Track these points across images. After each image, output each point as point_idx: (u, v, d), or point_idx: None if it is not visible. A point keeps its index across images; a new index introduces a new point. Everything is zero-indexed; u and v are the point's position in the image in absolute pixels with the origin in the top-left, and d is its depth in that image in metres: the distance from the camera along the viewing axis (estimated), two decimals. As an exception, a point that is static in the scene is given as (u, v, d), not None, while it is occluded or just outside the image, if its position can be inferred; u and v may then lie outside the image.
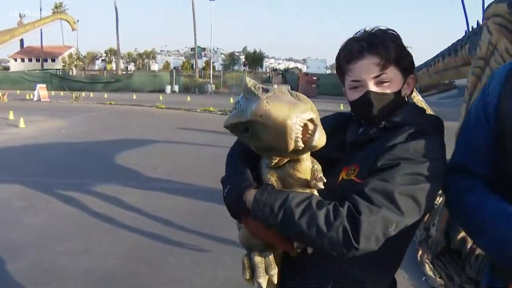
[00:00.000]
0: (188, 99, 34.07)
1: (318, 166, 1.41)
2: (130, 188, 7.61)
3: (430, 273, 4.34)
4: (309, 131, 1.20)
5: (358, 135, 1.55)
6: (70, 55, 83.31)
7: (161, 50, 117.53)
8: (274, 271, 1.43)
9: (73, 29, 38.18)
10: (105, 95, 36.62)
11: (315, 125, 1.21)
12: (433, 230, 4.86)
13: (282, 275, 1.49)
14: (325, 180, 1.34)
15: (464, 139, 1.53)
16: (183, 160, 10.34)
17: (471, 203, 1.38)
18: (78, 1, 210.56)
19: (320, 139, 1.22)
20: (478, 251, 4.23)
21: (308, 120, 1.20)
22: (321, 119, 1.34)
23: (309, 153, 1.34)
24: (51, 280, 4.21)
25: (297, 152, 1.24)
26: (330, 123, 1.60)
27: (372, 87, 1.48)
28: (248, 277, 1.46)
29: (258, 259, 1.43)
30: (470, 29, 5.39)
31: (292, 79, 42.69)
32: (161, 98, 34.13)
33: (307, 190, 1.36)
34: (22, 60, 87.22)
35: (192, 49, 70.38)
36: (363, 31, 1.56)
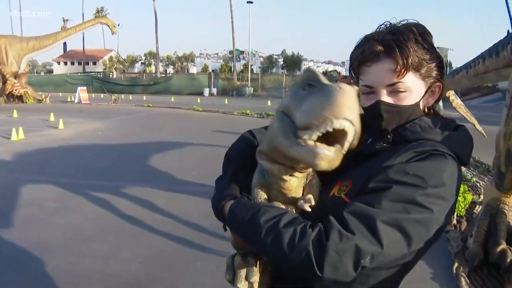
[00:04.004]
0: (226, 101, 34.19)
1: (316, 181, 1.27)
2: (162, 191, 7.56)
3: (467, 287, 4.08)
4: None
5: (364, 146, 1.33)
6: (110, 58, 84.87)
7: (200, 53, 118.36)
8: (255, 278, 1.32)
9: (113, 33, 38.70)
10: (144, 98, 37.11)
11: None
12: (470, 242, 4.60)
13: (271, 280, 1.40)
14: (313, 203, 1.19)
15: None
16: (217, 163, 10.18)
17: None
18: (119, 6, 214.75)
19: (327, 160, 1.04)
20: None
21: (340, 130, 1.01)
22: None
23: (293, 173, 1.21)
24: (74, 283, 4.16)
25: (294, 148, 1.07)
26: None
27: (385, 97, 1.29)
28: (229, 279, 1.37)
29: (240, 263, 1.34)
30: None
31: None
32: (198, 100, 34.31)
33: (290, 207, 1.24)
34: (65, 63, 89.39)
35: (231, 52, 70.62)
36: (387, 24, 1.33)
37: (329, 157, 1.03)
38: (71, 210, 6.47)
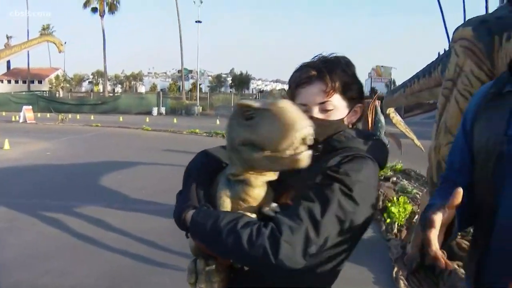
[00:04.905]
0: (175, 121, 34.16)
1: (271, 192, 1.50)
2: (115, 210, 7.66)
3: (405, 289, 4.46)
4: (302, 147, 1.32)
5: None
6: (57, 77, 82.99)
7: (148, 72, 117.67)
8: (216, 279, 1.51)
9: (60, 51, 38.27)
10: (92, 117, 36.58)
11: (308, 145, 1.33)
12: (409, 248, 4.99)
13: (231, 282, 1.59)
14: (278, 210, 1.43)
15: (450, 152, 1.65)
16: (167, 182, 10.34)
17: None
18: (65, 23, 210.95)
19: (307, 159, 1.33)
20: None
21: (307, 137, 1.31)
22: None
23: (264, 181, 1.46)
24: (33, 299, 4.27)
25: (278, 160, 1.34)
26: None
27: (316, 113, 1.56)
28: (191, 282, 1.55)
29: (202, 266, 1.52)
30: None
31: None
32: (147, 120, 34.15)
33: (254, 215, 1.46)
34: (9, 81, 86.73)
35: (179, 71, 70.62)
36: (320, 55, 1.64)
37: (309, 155, 1.33)
38: (24, 230, 6.50)
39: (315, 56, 1.65)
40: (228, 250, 1.42)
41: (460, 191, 1.22)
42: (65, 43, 42.48)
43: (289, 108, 1.30)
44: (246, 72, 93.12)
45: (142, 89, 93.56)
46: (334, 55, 1.64)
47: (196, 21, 56.11)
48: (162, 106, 48.56)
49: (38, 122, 30.63)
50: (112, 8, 63.58)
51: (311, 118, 1.50)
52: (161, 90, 67.62)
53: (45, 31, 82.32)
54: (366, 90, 55.73)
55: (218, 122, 30.78)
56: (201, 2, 55.41)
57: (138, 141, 20.00)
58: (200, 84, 66.74)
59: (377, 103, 11.68)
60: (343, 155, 1.50)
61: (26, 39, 43.99)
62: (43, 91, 67.68)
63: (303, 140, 1.31)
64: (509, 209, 1.31)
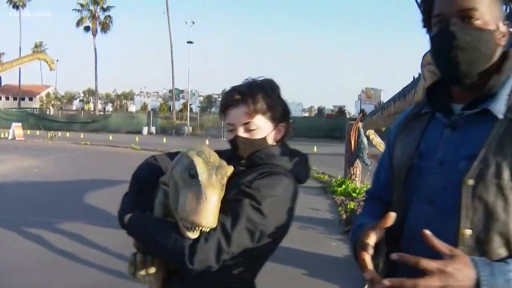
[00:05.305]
0: (164, 140, 34.26)
1: None
2: (97, 227, 7.74)
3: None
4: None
5: None
6: (48, 95, 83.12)
7: (140, 92, 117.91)
8: (152, 271, 1.75)
9: (51, 69, 38.47)
10: (82, 136, 36.62)
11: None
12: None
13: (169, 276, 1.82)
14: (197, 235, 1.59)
15: (377, 170, 1.80)
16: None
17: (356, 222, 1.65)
18: (58, 41, 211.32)
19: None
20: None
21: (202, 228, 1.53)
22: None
23: None
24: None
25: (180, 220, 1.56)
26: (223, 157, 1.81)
27: (241, 132, 1.75)
28: (131, 272, 1.78)
29: (140, 259, 1.76)
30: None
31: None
32: (137, 139, 34.22)
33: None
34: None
35: (171, 91, 70.92)
36: (249, 78, 1.84)
37: (194, 237, 1.54)
38: (5, 245, 6.59)
39: (245, 79, 1.85)
40: (156, 250, 1.67)
41: (393, 215, 1.34)
42: (57, 61, 42.82)
43: (210, 203, 1.50)
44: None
45: (133, 108, 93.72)
46: (262, 78, 1.84)
47: (188, 42, 56.66)
48: (152, 126, 48.73)
49: (27, 139, 30.66)
50: (105, 27, 64.04)
51: (237, 137, 1.74)
52: (152, 109, 67.72)
53: (38, 48, 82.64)
54: (356, 111, 55.97)
55: (207, 142, 30.89)
56: (193, 23, 56.24)
57: (126, 160, 20.02)
58: (190, 104, 67.10)
59: (360, 124, 11.94)
60: (260, 171, 1.68)
61: (18, 56, 44.06)
62: (33, 108, 67.63)
63: (196, 228, 1.51)
64: (416, 214, 1.46)
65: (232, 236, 1.56)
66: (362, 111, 57.46)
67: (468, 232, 1.33)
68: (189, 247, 1.54)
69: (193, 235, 1.53)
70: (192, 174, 1.55)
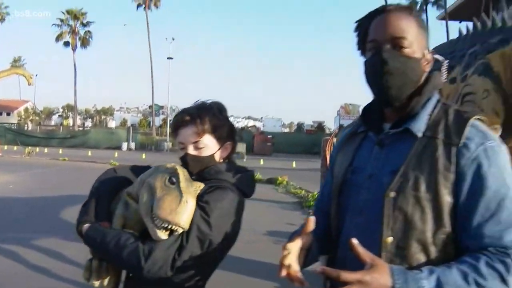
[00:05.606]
0: (143, 156, 34.14)
1: None
2: (74, 243, 7.64)
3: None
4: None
5: None
6: (26, 110, 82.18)
7: (120, 107, 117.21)
8: (106, 277, 1.87)
9: (29, 84, 38.17)
10: (60, 151, 36.34)
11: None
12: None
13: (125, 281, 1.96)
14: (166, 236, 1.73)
15: (323, 184, 1.94)
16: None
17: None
18: (37, 55, 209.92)
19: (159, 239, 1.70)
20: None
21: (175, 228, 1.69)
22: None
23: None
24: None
25: (150, 222, 1.71)
26: None
27: (191, 150, 1.91)
28: (86, 277, 1.89)
29: (95, 265, 1.86)
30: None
31: (248, 138, 43.34)
32: (116, 155, 34.06)
33: (138, 233, 1.81)
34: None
35: (151, 106, 70.77)
36: (198, 101, 2.02)
37: (163, 238, 1.69)
38: (-20, 262, 6.53)
39: (195, 101, 2.03)
40: (112, 259, 1.82)
41: (311, 218, 1.50)
42: (35, 75, 42.63)
43: (188, 207, 1.69)
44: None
45: (112, 124, 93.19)
46: (210, 101, 2.02)
47: (167, 58, 56.71)
48: (131, 142, 48.51)
49: (4, 155, 30.33)
50: (85, 43, 63.76)
51: (187, 154, 1.90)
52: (132, 125, 67.47)
53: (16, 63, 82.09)
54: (335, 127, 56.39)
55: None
56: (173, 39, 56.24)
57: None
58: (170, 120, 66.87)
59: (335, 140, 12.09)
60: (208, 186, 1.83)
61: (-5, 71, 43.74)
62: (11, 123, 66.92)
63: (169, 228, 1.67)
64: (350, 224, 1.62)
65: (185, 245, 1.70)
66: (341, 126, 57.95)
67: (390, 239, 1.47)
68: (145, 256, 1.68)
69: (163, 235, 1.67)
70: (173, 181, 1.72)
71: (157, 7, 58.51)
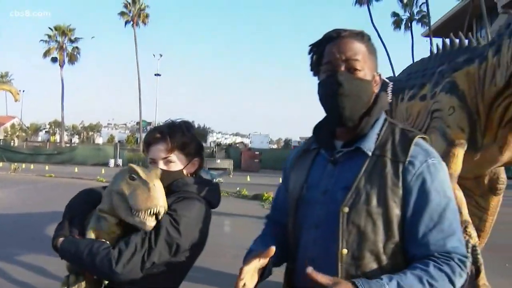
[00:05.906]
0: (131, 172, 33.93)
1: (124, 229, 1.99)
2: (57, 258, 7.55)
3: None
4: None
5: None
6: (12, 126, 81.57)
7: (108, 123, 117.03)
8: None
9: (16, 100, 37.54)
10: (47, 167, 36.08)
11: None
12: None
13: None
14: (155, 222, 1.88)
15: (276, 195, 2.08)
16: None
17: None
18: (24, 71, 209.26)
19: (150, 227, 1.85)
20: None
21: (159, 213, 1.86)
22: None
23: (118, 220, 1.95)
24: None
25: (131, 217, 1.86)
26: None
27: (161, 165, 2.07)
28: None
29: (73, 280, 1.97)
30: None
31: (236, 154, 43.37)
32: (103, 171, 33.83)
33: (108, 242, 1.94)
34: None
35: (138, 123, 70.68)
36: (168, 120, 2.19)
37: (153, 224, 1.84)
38: (-37, 277, 6.51)
39: (166, 120, 2.21)
40: (86, 267, 1.93)
41: (273, 249, 1.60)
42: (22, 91, 42.50)
43: (157, 188, 1.84)
44: (204, 125, 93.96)
45: (99, 140, 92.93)
46: (180, 119, 2.19)
47: (155, 74, 56.91)
48: (119, 158, 48.24)
49: (-10, 171, 30.11)
50: (72, 59, 63.55)
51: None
52: (119, 141, 67.29)
53: (3, 78, 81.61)
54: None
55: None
56: (161, 55, 56.54)
57: (91, 192, 19.86)
58: (158, 136, 66.49)
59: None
60: (176, 196, 1.99)
61: (-18, 87, 43.47)
62: (-3, 139, 66.44)
63: (154, 214, 1.83)
64: (306, 238, 1.75)
65: (153, 247, 1.84)
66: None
67: (345, 251, 1.61)
68: (115, 259, 1.81)
69: (152, 222, 1.82)
70: (133, 177, 1.86)
71: (145, 24, 58.40)
